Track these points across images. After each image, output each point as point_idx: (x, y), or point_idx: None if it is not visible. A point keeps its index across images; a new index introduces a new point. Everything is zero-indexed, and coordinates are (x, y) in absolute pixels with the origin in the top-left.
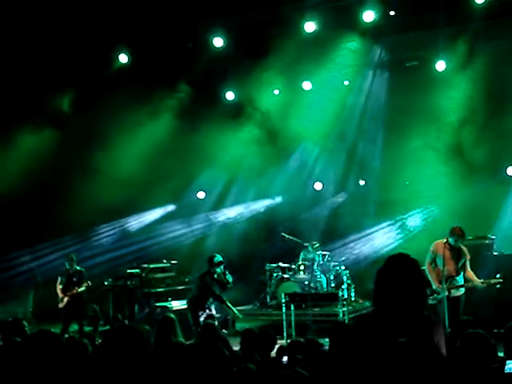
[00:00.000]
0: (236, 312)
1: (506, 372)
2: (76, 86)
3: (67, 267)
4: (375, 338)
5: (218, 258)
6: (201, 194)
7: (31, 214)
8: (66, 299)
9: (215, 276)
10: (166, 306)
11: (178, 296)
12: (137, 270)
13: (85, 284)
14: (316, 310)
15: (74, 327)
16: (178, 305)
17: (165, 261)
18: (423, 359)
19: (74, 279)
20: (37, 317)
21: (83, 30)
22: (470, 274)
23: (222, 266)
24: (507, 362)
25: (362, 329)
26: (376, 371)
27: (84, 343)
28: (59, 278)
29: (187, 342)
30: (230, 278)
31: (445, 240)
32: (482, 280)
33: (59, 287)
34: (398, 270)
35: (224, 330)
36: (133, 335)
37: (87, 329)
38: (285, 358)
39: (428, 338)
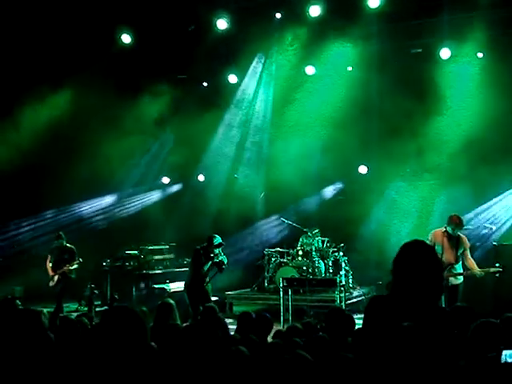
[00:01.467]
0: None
1: (503, 362)
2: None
3: (56, 245)
4: (387, 320)
5: (218, 239)
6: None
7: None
8: (56, 277)
9: (211, 255)
10: (163, 288)
11: (175, 278)
12: (135, 252)
13: (76, 261)
14: (314, 295)
15: (72, 307)
16: (175, 287)
17: (163, 243)
18: (426, 346)
19: (66, 256)
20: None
21: (83, 12)
22: (471, 261)
23: (220, 249)
24: (504, 351)
25: (376, 308)
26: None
27: (84, 322)
28: (49, 256)
29: (183, 324)
30: (225, 259)
31: (443, 229)
32: (469, 271)
33: (49, 265)
34: (415, 257)
35: (220, 313)
36: (129, 315)
37: (84, 309)
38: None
39: (438, 326)
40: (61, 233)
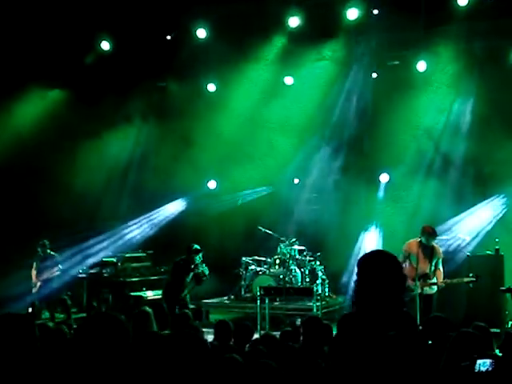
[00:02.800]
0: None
1: (476, 371)
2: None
3: (40, 253)
4: (362, 335)
5: (195, 246)
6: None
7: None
8: (38, 284)
9: (192, 266)
10: (140, 296)
11: (152, 286)
12: (112, 259)
13: (56, 268)
14: (290, 304)
15: (47, 314)
16: (152, 295)
17: (140, 250)
18: (413, 351)
19: (48, 264)
20: None
21: (64, 17)
22: (439, 271)
23: (200, 255)
24: (477, 360)
25: (348, 327)
26: (366, 367)
27: (63, 330)
28: (34, 264)
29: (162, 332)
30: (206, 270)
31: (418, 239)
32: (446, 280)
33: (34, 272)
34: (377, 267)
35: (197, 321)
36: (114, 323)
37: (59, 316)
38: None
39: (413, 331)
40: (45, 240)
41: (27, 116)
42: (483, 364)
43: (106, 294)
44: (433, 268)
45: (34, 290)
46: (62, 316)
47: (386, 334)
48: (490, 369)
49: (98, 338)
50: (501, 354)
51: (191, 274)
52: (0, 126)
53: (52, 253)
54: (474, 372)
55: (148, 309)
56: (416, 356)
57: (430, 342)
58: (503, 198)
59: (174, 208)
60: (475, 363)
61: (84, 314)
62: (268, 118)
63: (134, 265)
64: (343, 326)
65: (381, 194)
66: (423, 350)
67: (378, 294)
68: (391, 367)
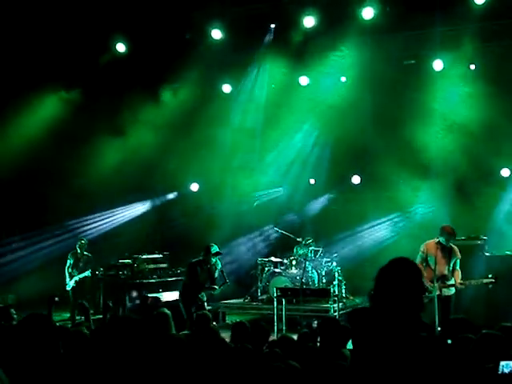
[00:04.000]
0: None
1: (500, 373)
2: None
3: (78, 250)
4: (372, 331)
5: (215, 248)
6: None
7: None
8: (72, 282)
9: (208, 266)
10: (157, 297)
11: (169, 287)
12: (128, 261)
13: (87, 270)
14: (307, 305)
15: (64, 316)
16: (168, 296)
17: (157, 252)
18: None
19: (81, 264)
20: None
21: (80, 19)
22: (457, 273)
23: (217, 258)
24: (501, 362)
25: (359, 320)
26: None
27: (82, 332)
28: (68, 262)
29: (181, 333)
30: (219, 264)
31: (436, 240)
32: (465, 281)
33: (68, 270)
34: (399, 274)
35: (214, 323)
36: (134, 326)
37: (77, 318)
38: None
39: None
40: (84, 239)
41: (40, 118)
42: (507, 366)
43: (122, 295)
44: (451, 269)
45: (67, 288)
46: (78, 318)
47: (407, 335)
48: None
49: (117, 339)
50: None
51: (206, 273)
52: (11, 129)
53: (86, 253)
54: (497, 374)
55: (166, 310)
56: (438, 358)
57: (449, 342)
58: None
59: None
60: (499, 365)
61: (100, 316)
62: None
63: (151, 266)
64: (356, 321)
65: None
66: (444, 352)
67: (394, 298)
68: (414, 369)
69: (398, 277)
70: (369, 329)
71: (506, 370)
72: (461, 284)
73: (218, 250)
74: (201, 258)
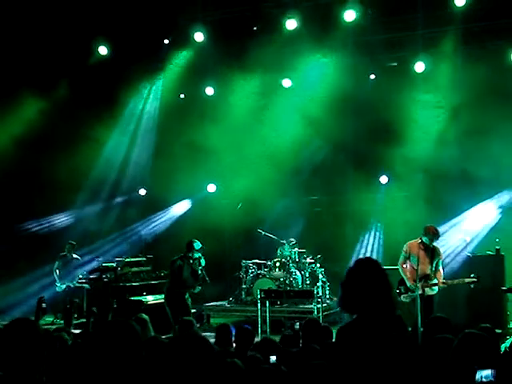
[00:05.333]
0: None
1: (478, 382)
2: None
3: (66, 252)
4: (363, 342)
5: (198, 244)
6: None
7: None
8: (63, 286)
9: (191, 261)
10: (140, 301)
11: (153, 290)
12: (112, 264)
13: (77, 273)
14: (291, 307)
15: (47, 320)
16: (152, 299)
17: (140, 255)
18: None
19: (70, 268)
20: None
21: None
22: (439, 273)
23: (200, 254)
24: (478, 371)
25: (348, 338)
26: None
27: (63, 337)
28: (56, 263)
29: (163, 337)
30: (203, 262)
31: (419, 240)
32: (447, 281)
33: (57, 271)
34: (363, 274)
35: (198, 325)
36: (126, 329)
37: (60, 322)
38: (273, 358)
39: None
40: (73, 242)
41: (24, 119)
42: (486, 376)
43: (105, 299)
44: (433, 269)
45: (57, 289)
46: (62, 322)
47: (381, 335)
48: (492, 379)
49: (110, 344)
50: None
51: (189, 269)
52: None
53: (75, 256)
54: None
55: (144, 316)
56: (409, 357)
57: (428, 343)
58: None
59: (179, 209)
60: (475, 372)
61: (84, 320)
62: (266, 122)
63: (134, 269)
64: (343, 337)
65: (381, 195)
66: (415, 351)
67: (363, 297)
68: (389, 367)
69: (362, 276)
70: (352, 336)
71: (485, 380)
72: (443, 283)
73: (201, 245)
74: (183, 254)
